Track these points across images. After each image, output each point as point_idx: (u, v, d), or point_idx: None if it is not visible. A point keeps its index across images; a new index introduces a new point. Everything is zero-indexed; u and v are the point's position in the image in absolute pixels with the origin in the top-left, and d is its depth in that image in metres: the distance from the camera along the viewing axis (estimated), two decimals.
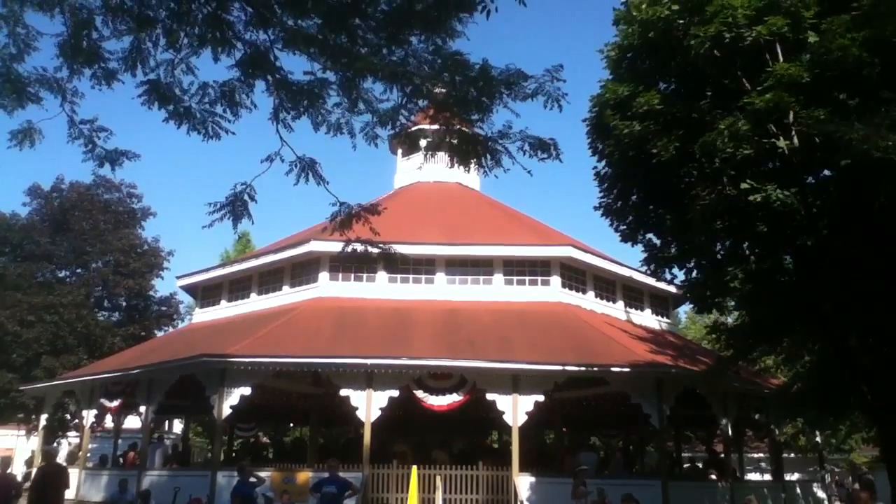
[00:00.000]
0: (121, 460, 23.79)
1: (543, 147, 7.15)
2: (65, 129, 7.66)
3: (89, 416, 21.99)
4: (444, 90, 7.39)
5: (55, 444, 29.82)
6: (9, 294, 30.68)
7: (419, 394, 17.36)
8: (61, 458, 32.21)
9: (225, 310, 24.61)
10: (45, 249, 32.70)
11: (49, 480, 12.94)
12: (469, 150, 7.45)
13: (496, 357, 17.25)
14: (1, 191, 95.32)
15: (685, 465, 25.19)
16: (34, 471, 14.84)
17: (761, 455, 33.82)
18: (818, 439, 25.69)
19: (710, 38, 11.30)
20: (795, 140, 11.12)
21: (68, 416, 30.05)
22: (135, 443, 24.23)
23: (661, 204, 13.73)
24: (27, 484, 14.79)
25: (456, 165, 7.87)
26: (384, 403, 17.19)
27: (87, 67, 7.10)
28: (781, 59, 11.30)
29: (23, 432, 33.70)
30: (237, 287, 24.71)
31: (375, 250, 8.73)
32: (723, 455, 21.20)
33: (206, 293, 25.97)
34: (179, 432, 34.79)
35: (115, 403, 20.55)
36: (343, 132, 7.59)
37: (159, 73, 7.12)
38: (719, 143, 11.12)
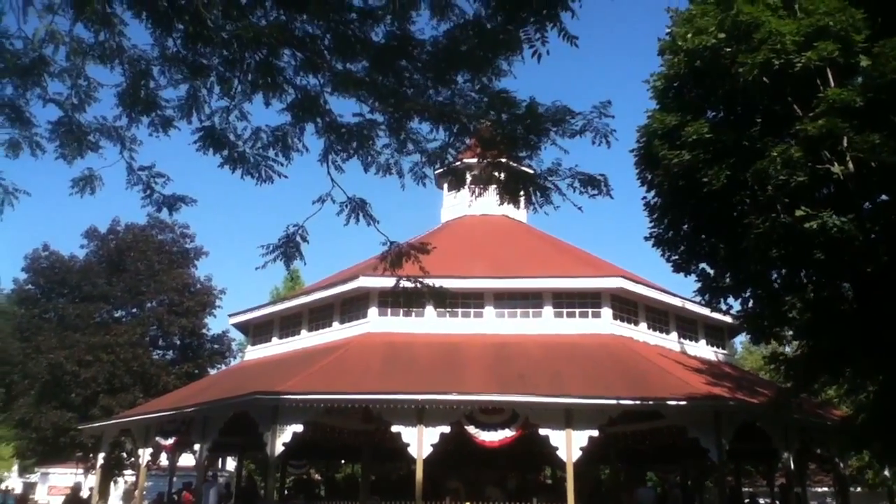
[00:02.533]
0: (175, 498, 24.04)
1: (593, 183, 7.12)
2: (121, 173, 7.91)
3: (145, 454, 22.30)
4: (490, 128, 7.42)
5: (77, 481, 30.53)
6: (67, 334, 31.46)
7: (471, 429, 17.20)
8: (117, 496, 32.74)
9: (276, 347, 24.85)
10: (102, 290, 33.49)
11: None
12: (518, 187, 7.45)
13: (548, 391, 17.04)
14: (60, 233, 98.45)
15: (746, 501, 24.41)
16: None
17: (826, 489, 32.62)
18: (887, 473, 24.66)
19: (758, 65, 11.17)
20: (850, 165, 10.87)
21: (125, 455, 30.53)
22: (189, 481, 24.49)
23: (713, 233, 13.51)
24: None
25: (505, 203, 7.86)
26: (436, 439, 17.07)
27: (144, 115, 7.34)
28: (833, 84, 11.10)
29: (81, 470, 34.29)
30: (288, 324, 24.96)
31: (425, 287, 8.75)
32: (797, 490, 20.49)
33: (258, 330, 26.29)
34: (233, 469, 35.02)
35: (170, 441, 20.80)
36: (392, 172, 7.68)
37: (214, 120, 7.31)
38: (772, 171, 10.94)
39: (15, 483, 50.95)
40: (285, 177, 7.67)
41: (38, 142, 7.37)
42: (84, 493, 30.76)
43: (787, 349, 17.44)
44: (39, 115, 7.46)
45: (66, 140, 7.22)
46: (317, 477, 32.35)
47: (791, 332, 14.15)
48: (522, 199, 7.63)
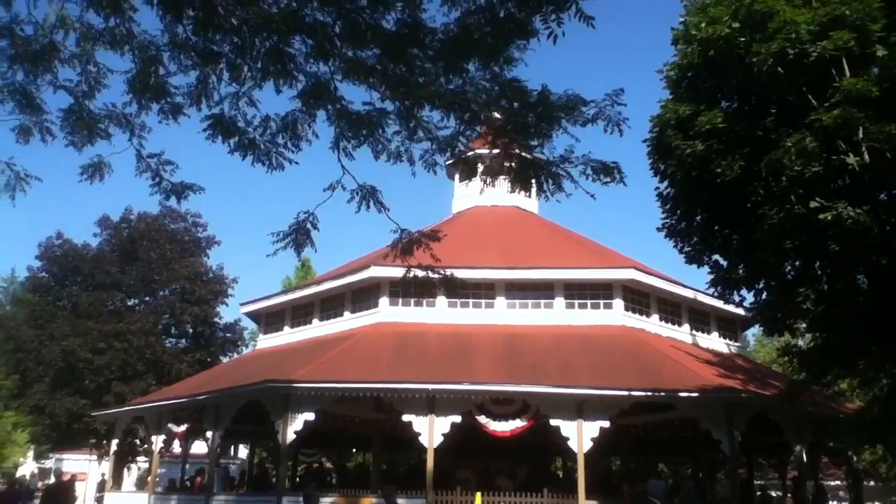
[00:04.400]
0: (188, 484, 24.23)
1: (607, 171, 7.06)
2: (132, 162, 7.90)
3: (158, 441, 22.47)
4: (502, 116, 7.37)
5: (61, 466, 30.96)
6: (81, 322, 31.68)
7: (482, 419, 17.21)
8: (131, 483, 33.04)
9: (288, 336, 24.94)
10: (115, 278, 33.68)
11: (56, 494, 14.77)
12: (529, 175, 7.40)
13: (559, 382, 17.02)
14: (73, 222, 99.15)
15: (757, 493, 24.34)
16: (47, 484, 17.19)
17: (839, 482, 32.47)
18: None
19: (772, 54, 11.03)
20: (866, 156, 10.72)
21: (138, 441, 30.76)
22: (202, 468, 24.67)
23: (726, 224, 13.40)
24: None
25: (517, 191, 7.82)
26: (447, 429, 17.10)
27: (154, 102, 7.32)
28: (848, 74, 10.95)
29: (94, 457, 34.60)
30: (299, 313, 25.05)
31: (436, 276, 8.72)
32: (820, 482, 20.39)
33: (270, 319, 26.39)
34: (245, 457, 35.24)
35: (183, 429, 20.94)
36: (402, 160, 7.65)
37: (223, 107, 7.30)
38: (787, 161, 10.82)
39: (30, 468, 51.53)
40: (296, 163, 7.65)
41: (48, 128, 7.38)
42: (92, 484, 31.08)
43: (801, 342, 17.29)
44: (50, 101, 7.48)
45: (76, 127, 7.22)
46: (328, 465, 32.49)
47: (805, 325, 14.03)
48: (534, 188, 7.57)
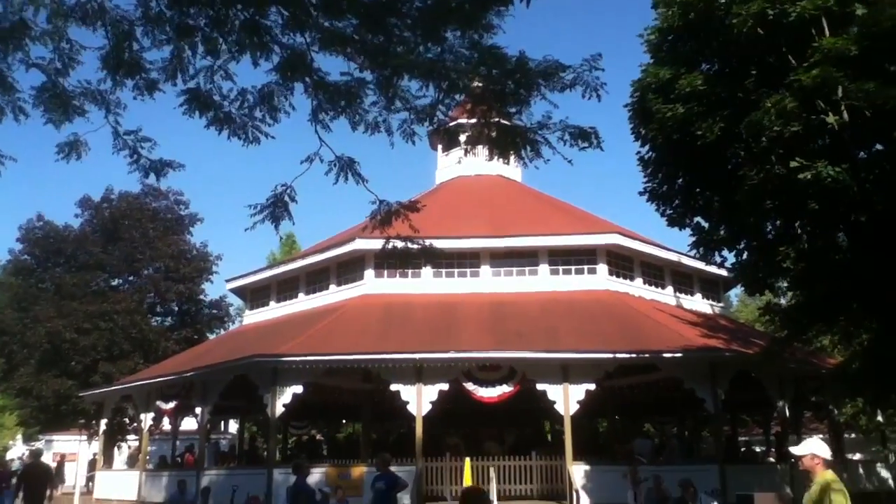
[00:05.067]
0: (178, 461, 24.35)
1: (584, 136, 7.06)
2: (110, 140, 7.80)
3: (147, 419, 22.51)
4: (480, 84, 7.33)
5: (39, 446, 31.23)
6: (65, 303, 31.50)
7: (469, 386, 17.37)
8: (121, 461, 33.16)
9: (274, 310, 24.95)
10: (98, 259, 33.45)
11: (34, 474, 15.78)
12: (508, 142, 7.39)
13: (544, 347, 17.18)
14: (54, 204, 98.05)
15: (742, 450, 24.77)
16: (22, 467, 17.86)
17: (821, 437, 33.11)
18: (880, 419, 25.01)
19: (752, 15, 11.03)
20: (845, 115, 10.79)
21: (127, 420, 30.79)
22: (191, 444, 24.78)
23: (707, 186, 13.49)
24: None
25: (496, 158, 7.81)
26: (434, 397, 17.26)
27: (129, 78, 7.21)
28: (828, 33, 10.97)
29: (84, 437, 34.64)
30: (285, 288, 25.04)
31: (416, 246, 8.73)
32: (804, 434, 20.76)
33: (255, 295, 26.37)
34: (235, 432, 35.40)
35: (171, 406, 20.98)
36: (380, 130, 7.59)
37: (199, 81, 7.20)
38: (766, 122, 10.86)
39: (20, 451, 51.50)
40: (272, 137, 7.59)
41: (21, 107, 7.27)
42: (83, 463, 31.16)
43: (782, 300, 17.52)
44: (22, 80, 7.35)
45: (52, 105, 7.10)
46: (318, 437, 32.70)
47: (785, 283, 14.22)
48: (513, 155, 7.58)
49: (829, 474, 5.20)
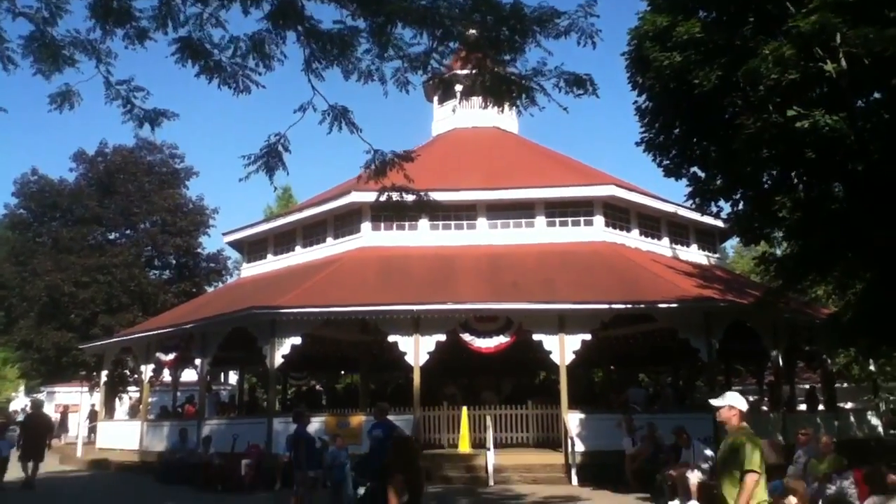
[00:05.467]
0: (179, 411, 24.68)
1: (579, 83, 7.01)
2: (103, 92, 7.73)
3: (147, 370, 22.73)
4: (475, 31, 7.24)
5: (40, 398, 31.84)
6: (62, 257, 31.55)
7: (466, 337, 17.52)
8: (123, 412, 33.61)
9: (271, 263, 25.02)
10: (95, 212, 33.39)
11: (34, 425, 16.53)
12: (503, 89, 7.33)
13: (541, 298, 17.28)
14: (48, 158, 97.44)
15: None
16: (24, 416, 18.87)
17: (814, 386, 33.53)
18: (872, 368, 25.32)
19: None
20: (843, 62, 10.68)
21: (127, 372, 31.10)
22: (192, 394, 25.08)
23: (705, 136, 13.42)
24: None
25: (490, 106, 7.76)
26: (432, 348, 17.41)
27: (118, 27, 7.12)
28: None
29: (85, 389, 35.02)
30: (282, 241, 25.06)
31: (411, 197, 8.71)
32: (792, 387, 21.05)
33: (253, 248, 26.41)
34: (235, 383, 35.80)
35: (171, 357, 21.16)
36: (374, 79, 7.53)
37: (189, 29, 7.11)
38: (764, 70, 10.76)
39: (22, 402, 52.09)
40: (263, 87, 7.52)
41: (10, 56, 7.19)
42: (84, 415, 31.58)
43: (778, 250, 17.58)
44: (10, 29, 7.25)
45: (40, 54, 7.02)
46: (318, 388, 33.10)
47: (781, 233, 14.24)
48: (508, 103, 7.52)
49: (744, 426, 5.48)
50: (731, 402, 5.55)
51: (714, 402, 5.66)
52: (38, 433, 16.92)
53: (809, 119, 10.63)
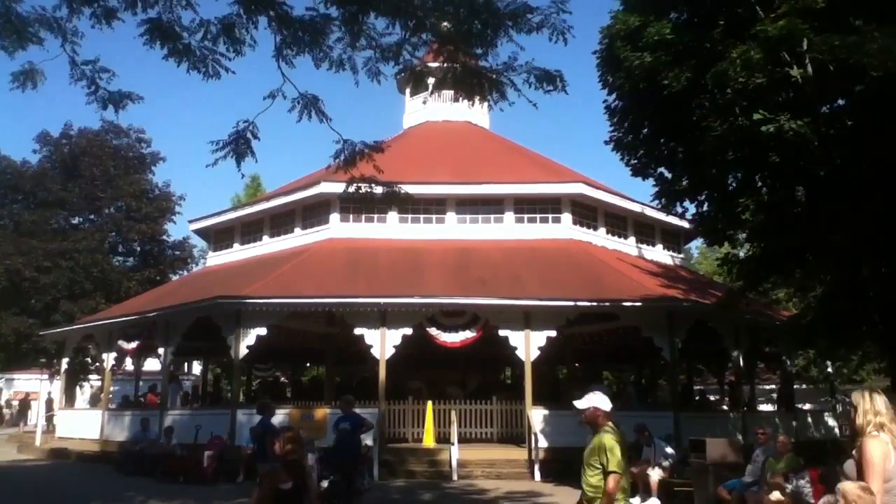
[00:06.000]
0: (142, 400, 24.38)
1: (549, 79, 7.06)
2: (68, 72, 7.60)
3: (109, 358, 22.40)
4: (447, 24, 7.25)
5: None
6: (24, 241, 30.96)
7: (432, 331, 17.53)
8: (84, 401, 33.10)
9: (238, 253, 24.79)
10: (58, 196, 32.84)
11: None
12: (474, 83, 7.35)
13: (508, 294, 17.36)
14: (11, 138, 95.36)
15: (696, 398, 25.48)
16: None
17: (773, 387, 34.13)
18: (830, 370, 25.85)
19: None
20: (809, 68, 10.88)
21: (89, 360, 30.66)
22: (154, 384, 24.77)
23: (672, 136, 13.57)
24: None
25: (461, 100, 7.78)
26: (398, 341, 17.39)
27: (86, 6, 7.01)
28: None
29: (45, 376, 34.49)
30: (249, 230, 24.85)
31: (380, 189, 8.71)
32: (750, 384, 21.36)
33: (219, 237, 26.14)
34: (198, 373, 35.45)
35: (133, 346, 20.87)
36: (345, 68, 7.51)
37: (159, 11, 7.02)
38: (732, 73, 10.91)
39: None
40: (233, 72, 7.45)
41: None
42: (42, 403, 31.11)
43: (741, 252, 17.87)
44: None
45: (4, 31, 6.88)
46: (283, 379, 32.91)
47: (744, 235, 14.47)
48: (478, 97, 7.55)
49: (609, 425, 5.67)
50: (595, 404, 5.72)
51: (577, 403, 5.81)
52: None
53: (775, 123, 10.79)
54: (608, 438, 5.41)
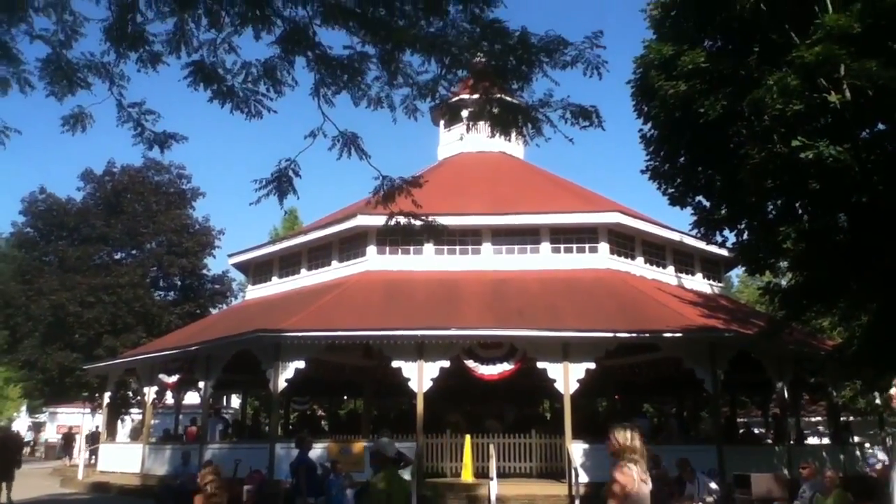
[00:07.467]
0: (182, 434, 24.57)
1: (585, 115, 7.07)
2: (114, 113, 7.83)
3: (150, 392, 22.66)
4: (482, 59, 7.33)
5: (41, 417, 31.81)
6: (68, 276, 31.65)
7: (469, 364, 17.46)
8: (125, 434, 33.45)
9: (276, 286, 25.05)
10: (101, 232, 33.56)
11: (7, 444, 17.02)
12: (510, 119, 7.41)
13: (545, 325, 17.24)
14: (56, 177, 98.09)
15: (741, 431, 24.94)
16: None
17: (819, 418, 33.27)
18: (878, 401, 25.15)
19: None
20: (847, 94, 10.74)
21: (130, 394, 31.04)
22: (194, 417, 24.98)
23: (709, 165, 13.46)
24: None
25: (497, 135, 7.83)
26: (435, 374, 17.36)
27: (132, 51, 7.23)
28: (831, 9, 10.90)
29: (88, 410, 35.00)
30: (287, 263, 25.13)
31: (418, 223, 8.76)
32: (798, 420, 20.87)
33: (258, 270, 26.47)
34: (237, 407, 35.68)
35: (174, 379, 21.10)
36: (383, 106, 7.62)
37: (203, 54, 7.22)
38: (768, 100, 10.82)
39: (24, 422, 51.96)
40: (274, 111, 7.61)
41: (26, 78, 7.30)
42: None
43: (782, 281, 17.56)
44: (27, 52, 7.36)
45: (55, 77, 7.13)
46: (320, 413, 32.97)
47: (786, 263, 14.23)
48: (514, 132, 7.60)
49: (389, 470, 6.37)
50: (379, 448, 6.47)
51: (367, 445, 6.48)
52: (6, 456, 17.08)
53: (814, 150, 10.66)
54: (383, 482, 6.17)
